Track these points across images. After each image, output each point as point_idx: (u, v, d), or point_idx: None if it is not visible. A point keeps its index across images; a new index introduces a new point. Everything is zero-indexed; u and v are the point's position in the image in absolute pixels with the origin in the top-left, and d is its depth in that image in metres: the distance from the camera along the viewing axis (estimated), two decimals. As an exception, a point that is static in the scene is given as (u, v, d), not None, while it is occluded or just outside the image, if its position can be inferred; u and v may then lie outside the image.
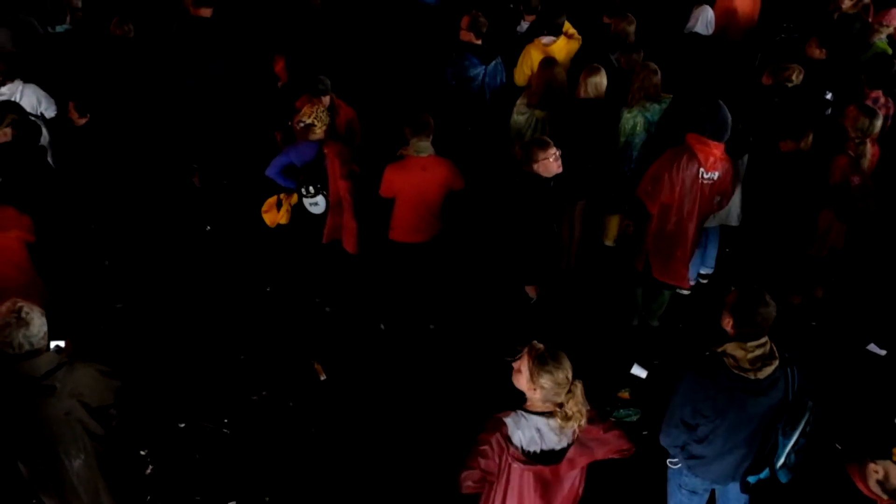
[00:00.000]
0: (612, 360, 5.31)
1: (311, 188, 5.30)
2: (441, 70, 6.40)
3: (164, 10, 6.97)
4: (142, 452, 4.53)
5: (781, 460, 3.41)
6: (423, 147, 5.06)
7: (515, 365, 3.12)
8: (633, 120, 5.66)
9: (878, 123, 5.18)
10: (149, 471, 4.50)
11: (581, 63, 6.17)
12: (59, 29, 6.46)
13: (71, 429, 3.35)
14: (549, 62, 5.90)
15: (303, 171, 5.32)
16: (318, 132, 5.30)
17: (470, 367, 5.31)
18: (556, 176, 4.80)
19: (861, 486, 2.86)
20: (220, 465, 4.60)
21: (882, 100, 5.85)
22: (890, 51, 6.57)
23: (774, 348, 3.39)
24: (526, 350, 3.09)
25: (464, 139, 6.31)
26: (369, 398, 5.10)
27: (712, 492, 3.84)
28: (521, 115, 5.94)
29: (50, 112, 5.88)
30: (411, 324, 5.65)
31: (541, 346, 3.08)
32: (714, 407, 3.36)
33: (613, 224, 6.33)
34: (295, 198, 5.43)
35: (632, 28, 6.42)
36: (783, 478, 3.47)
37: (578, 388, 3.04)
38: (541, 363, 3.00)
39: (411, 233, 5.28)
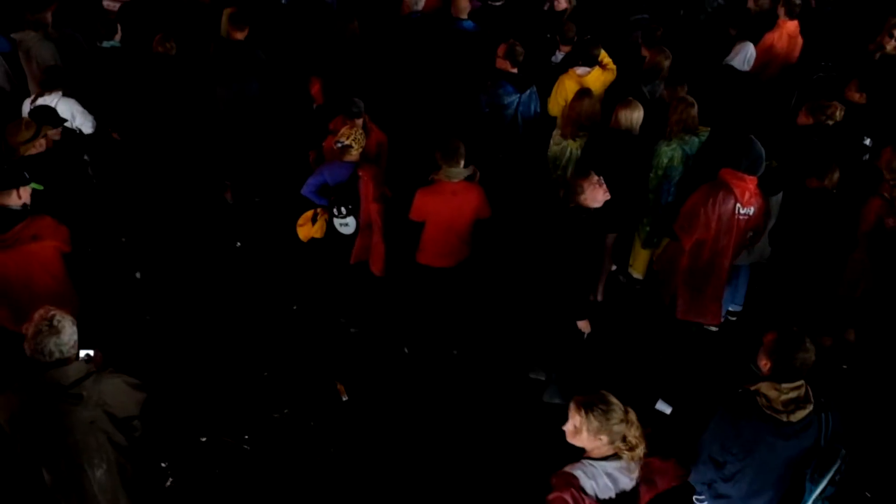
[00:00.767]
0: (636, 394, 5.23)
1: (342, 209, 5.34)
2: (475, 97, 6.44)
3: (206, 30, 7.11)
4: (163, 465, 4.54)
5: (808, 507, 3.33)
6: (455, 173, 5.08)
7: (567, 428, 3.12)
8: (672, 153, 5.64)
9: (915, 166, 5.09)
10: (169, 483, 4.52)
11: (615, 94, 6.18)
12: (106, 45, 6.61)
13: (95, 438, 3.38)
14: (583, 93, 5.90)
15: (335, 190, 5.36)
16: (355, 154, 5.36)
17: (492, 394, 5.27)
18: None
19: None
20: (239, 480, 4.61)
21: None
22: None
23: (810, 392, 3.32)
24: (571, 408, 3.08)
25: (495, 167, 6.33)
26: (390, 421, 5.08)
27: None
28: (556, 145, 5.97)
29: (86, 127, 5.99)
30: (435, 348, 5.63)
31: (580, 397, 3.08)
32: (743, 446, 3.30)
33: (643, 257, 6.28)
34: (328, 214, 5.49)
35: (667, 62, 6.41)
36: (809, 525, 3.38)
37: (632, 414, 3.05)
38: (593, 410, 3.01)
39: (439, 257, 5.29)
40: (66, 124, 5.71)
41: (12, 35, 6.54)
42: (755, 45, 7.18)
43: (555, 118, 6.40)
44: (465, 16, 7.06)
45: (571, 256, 4.71)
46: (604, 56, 6.58)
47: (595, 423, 3.01)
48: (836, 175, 5.06)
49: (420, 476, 4.66)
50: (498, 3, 7.60)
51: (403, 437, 4.95)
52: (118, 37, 6.62)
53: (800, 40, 7.31)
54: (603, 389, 3.11)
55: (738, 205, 4.85)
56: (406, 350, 5.69)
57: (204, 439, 4.84)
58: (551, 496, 3.00)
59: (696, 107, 5.63)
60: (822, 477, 3.28)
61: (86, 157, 5.54)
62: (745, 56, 7.15)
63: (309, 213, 5.60)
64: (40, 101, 5.79)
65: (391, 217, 5.40)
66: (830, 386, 3.82)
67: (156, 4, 7.26)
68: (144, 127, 6.32)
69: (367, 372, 5.48)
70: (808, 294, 5.23)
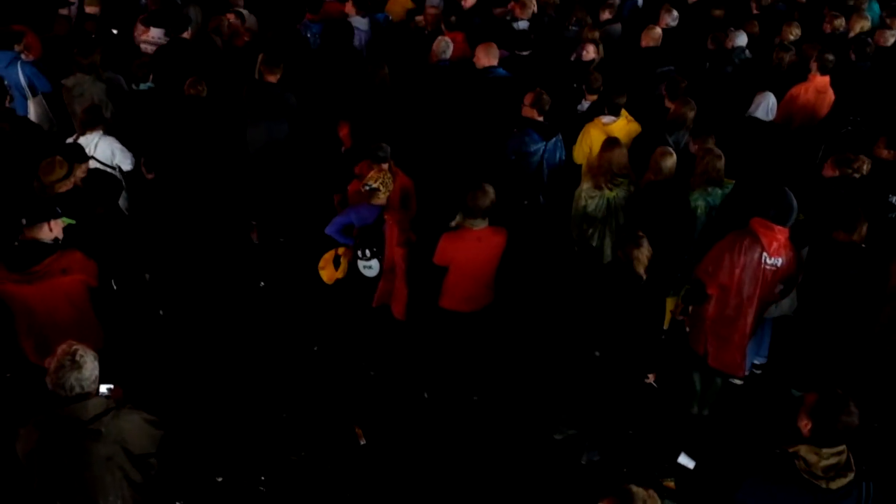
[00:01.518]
0: (659, 446, 5.13)
1: (367, 251, 5.37)
2: (502, 143, 6.50)
3: (239, 73, 7.29)
4: (177, 503, 4.51)
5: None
6: (478, 222, 5.09)
7: None
8: (695, 203, 5.60)
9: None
10: (183, 522, 4.49)
11: (640, 145, 6.18)
12: (142, 87, 6.82)
13: (112, 474, 3.38)
14: (612, 142, 5.86)
15: (360, 233, 5.40)
16: (382, 197, 5.40)
17: (510, 441, 5.20)
18: None
19: None
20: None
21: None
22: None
23: (851, 458, 3.19)
24: None
25: (519, 213, 6.34)
26: (407, 466, 5.02)
27: None
28: (590, 198, 5.79)
29: (126, 165, 6.13)
30: (455, 394, 5.58)
31: (609, 498, 2.99)
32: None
33: (668, 306, 6.20)
34: (350, 254, 5.51)
35: (692, 114, 6.42)
36: None
37: (653, 500, 2.97)
38: None
39: (462, 302, 5.28)
40: (105, 161, 5.84)
41: (62, 81, 6.75)
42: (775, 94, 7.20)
43: (579, 166, 6.42)
44: (496, 62, 7.15)
45: (639, 317, 4.72)
46: (624, 113, 6.60)
47: None
48: (865, 228, 4.99)
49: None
50: (525, 53, 7.71)
51: (420, 483, 4.88)
52: (151, 78, 6.82)
53: (830, 96, 7.27)
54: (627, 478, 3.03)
55: (765, 254, 4.80)
56: (426, 395, 5.64)
57: (220, 479, 4.81)
58: None
59: (722, 159, 5.61)
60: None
61: (124, 194, 5.64)
62: (767, 106, 7.15)
63: (330, 255, 5.63)
64: (82, 140, 5.95)
65: (415, 261, 5.42)
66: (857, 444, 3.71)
67: (190, 49, 7.48)
68: (175, 166, 6.45)
69: (386, 416, 5.43)
70: (835, 349, 5.12)
